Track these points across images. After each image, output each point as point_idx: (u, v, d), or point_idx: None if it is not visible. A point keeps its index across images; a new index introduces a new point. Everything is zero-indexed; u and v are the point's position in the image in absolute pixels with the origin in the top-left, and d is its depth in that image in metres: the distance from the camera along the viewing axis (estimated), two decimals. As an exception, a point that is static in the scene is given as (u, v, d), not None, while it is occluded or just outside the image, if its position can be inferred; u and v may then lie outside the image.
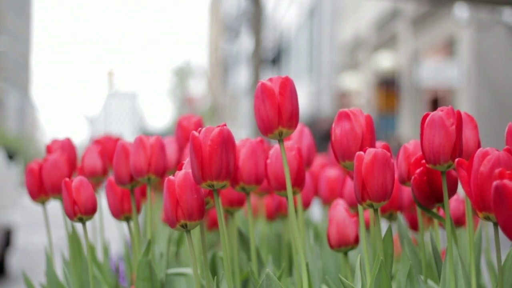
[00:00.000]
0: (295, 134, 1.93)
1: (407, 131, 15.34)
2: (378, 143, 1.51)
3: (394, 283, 1.77)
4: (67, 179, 1.62)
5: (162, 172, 1.70)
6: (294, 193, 1.61)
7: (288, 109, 1.42)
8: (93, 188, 1.68)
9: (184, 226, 1.39)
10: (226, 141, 1.36)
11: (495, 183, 1.03)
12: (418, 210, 1.63)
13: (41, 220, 3.09)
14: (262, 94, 1.41)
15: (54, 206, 3.00)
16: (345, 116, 1.46)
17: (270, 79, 1.43)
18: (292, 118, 1.43)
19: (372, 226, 1.60)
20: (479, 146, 1.50)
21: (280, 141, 1.45)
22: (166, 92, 66.78)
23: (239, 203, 1.93)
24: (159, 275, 1.74)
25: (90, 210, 1.63)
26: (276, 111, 1.41)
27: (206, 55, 78.79)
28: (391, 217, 1.85)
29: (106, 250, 2.18)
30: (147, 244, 1.63)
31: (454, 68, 13.26)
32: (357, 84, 20.16)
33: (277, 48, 30.94)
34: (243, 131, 34.27)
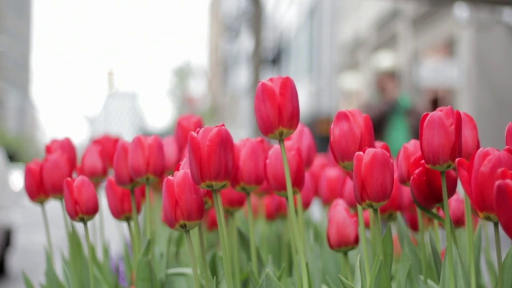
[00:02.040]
0: (295, 134, 1.93)
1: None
2: (378, 143, 1.51)
3: (394, 283, 1.77)
4: (68, 178, 1.62)
5: (161, 172, 1.69)
6: (293, 193, 1.61)
7: (289, 109, 1.42)
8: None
9: (183, 226, 1.39)
10: (224, 141, 1.36)
11: (497, 182, 1.03)
12: (418, 210, 1.63)
13: (41, 220, 3.09)
14: (262, 94, 1.41)
15: (54, 206, 3.00)
16: (344, 117, 1.46)
17: (271, 79, 1.43)
18: (293, 118, 1.43)
19: (372, 226, 1.59)
20: (478, 146, 1.50)
21: (281, 141, 1.45)
22: (166, 92, 66.78)
23: (239, 203, 1.93)
24: (159, 275, 1.74)
25: (92, 210, 1.63)
26: (277, 111, 1.41)
27: (206, 55, 78.81)
28: (391, 217, 1.85)
29: (106, 250, 2.18)
30: (147, 244, 1.63)
31: (454, 68, 13.26)
32: (357, 84, 20.15)
33: (277, 48, 30.93)
34: (243, 131, 34.27)
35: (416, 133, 6.25)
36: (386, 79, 6.82)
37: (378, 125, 6.56)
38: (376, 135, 6.55)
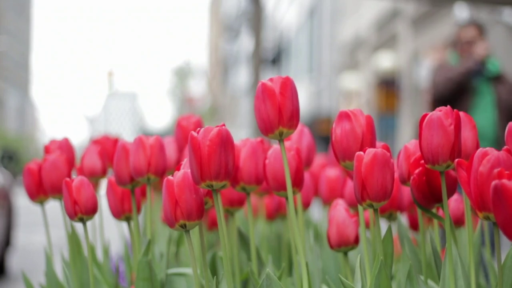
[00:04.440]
0: (294, 134, 1.93)
1: (407, 131, 15.33)
2: (378, 143, 1.51)
3: (394, 283, 1.77)
4: (67, 179, 1.63)
5: (162, 172, 1.70)
6: (293, 193, 1.60)
7: (289, 109, 1.42)
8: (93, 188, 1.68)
9: (183, 226, 1.39)
10: (224, 141, 1.36)
11: (493, 183, 1.04)
12: (418, 210, 1.63)
13: (41, 220, 3.09)
14: (262, 94, 1.42)
15: (54, 206, 3.00)
16: (345, 116, 1.46)
17: (271, 79, 1.43)
18: (293, 118, 1.43)
19: (372, 226, 1.59)
20: (478, 146, 1.50)
21: (281, 141, 1.45)
22: (166, 92, 66.77)
23: (239, 203, 1.93)
24: (159, 275, 1.74)
25: (91, 210, 1.63)
26: (277, 111, 1.41)
27: (206, 55, 78.79)
28: (391, 217, 1.85)
29: (106, 250, 2.18)
30: (147, 244, 1.63)
31: (454, 68, 13.23)
32: (357, 84, 20.14)
33: (277, 48, 30.92)
34: (243, 131, 34.27)
35: (507, 108, 4.65)
36: (473, 31, 4.84)
37: (459, 91, 4.69)
38: (453, 105, 4.60)
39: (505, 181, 1.03)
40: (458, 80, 4.65)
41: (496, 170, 1.09)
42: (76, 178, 1.63)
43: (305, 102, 24.46)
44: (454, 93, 4.68)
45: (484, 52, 4.77)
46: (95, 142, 2.31)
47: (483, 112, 4.67)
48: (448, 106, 1.39)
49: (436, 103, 4.77)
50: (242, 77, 40.20)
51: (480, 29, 4.88)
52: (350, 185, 1.95)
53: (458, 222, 1.82)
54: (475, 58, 4.74)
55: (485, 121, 4.60)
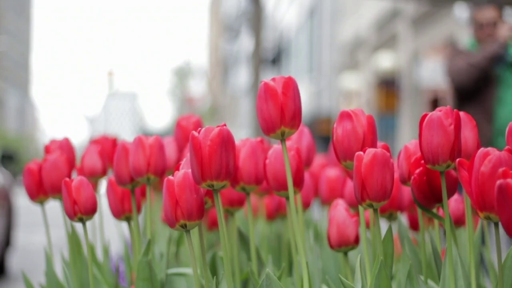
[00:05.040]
0: (294, 134, 1.93)
1: (407, 131, 15.32)
2: (378, 143, 1.51)
3: (394, 283, 1.77)
4: (67, 179, 1.63)
5: (162, 172, 1.70)
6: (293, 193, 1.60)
7: (291, 109, 1.42)
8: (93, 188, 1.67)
9: (184, 226, 1.39)
10: (225, 141, 1.36)
11: (498, 182, 1.03)
12: (419, 210, 1.63)
13: (41, 220, 3.09)
14: (265, 94, 1.41)
15: (54, 206, 3.00)
16: (347, 116, 1.46)
17: (273, 79, 1.43)
18: (295, 118, 1.43)
19: (372, 226, 1.59)
20: (478, 146, 1.50)
21: (283, 141, 1.45)
22: (166, 92, 66.76)
23: (239, 203, 1.93)
24: (159, 275, 1.74)
25: (90, 210, 1.63)
26: (279, 111, 1.41)
27: (206, 55, 78.78)
28: (391, 217, 1.85)
29: (106, 250, 2.18)
30: (147, 244, 1.63)
31: (454, 68, 13.20)
32: (357, 84, 20.14)
33: (277, 48, 30.93)
34: (243, 131, 34.29)
35: None
36: (493, 12, 4.23)
37: (482, 80, 4.14)
38: (477, 96, 4.15)
39: (510, 180, 1.03)
40: (483, 66, 4.10)
41: (501, 170, 1.09)
42: (76, 178, 1.63)
43: (305, 102, 24.46)
44: (477, 82, 4.14)
45: (509, 33, 4.18)
46: (95, 142, 2.31)
47: (509, 105, 4.19)
48: (448, 106, 1.38)
49: (457, 95, 4.31)
50: (242, 77, 40.20)
51: (499, 10, 4.34)
52: (350, 185, 1.95)
53: (458, 222, 1.82)
54: (499, 41, 4.17)
55: (511, 115, 4.16)
